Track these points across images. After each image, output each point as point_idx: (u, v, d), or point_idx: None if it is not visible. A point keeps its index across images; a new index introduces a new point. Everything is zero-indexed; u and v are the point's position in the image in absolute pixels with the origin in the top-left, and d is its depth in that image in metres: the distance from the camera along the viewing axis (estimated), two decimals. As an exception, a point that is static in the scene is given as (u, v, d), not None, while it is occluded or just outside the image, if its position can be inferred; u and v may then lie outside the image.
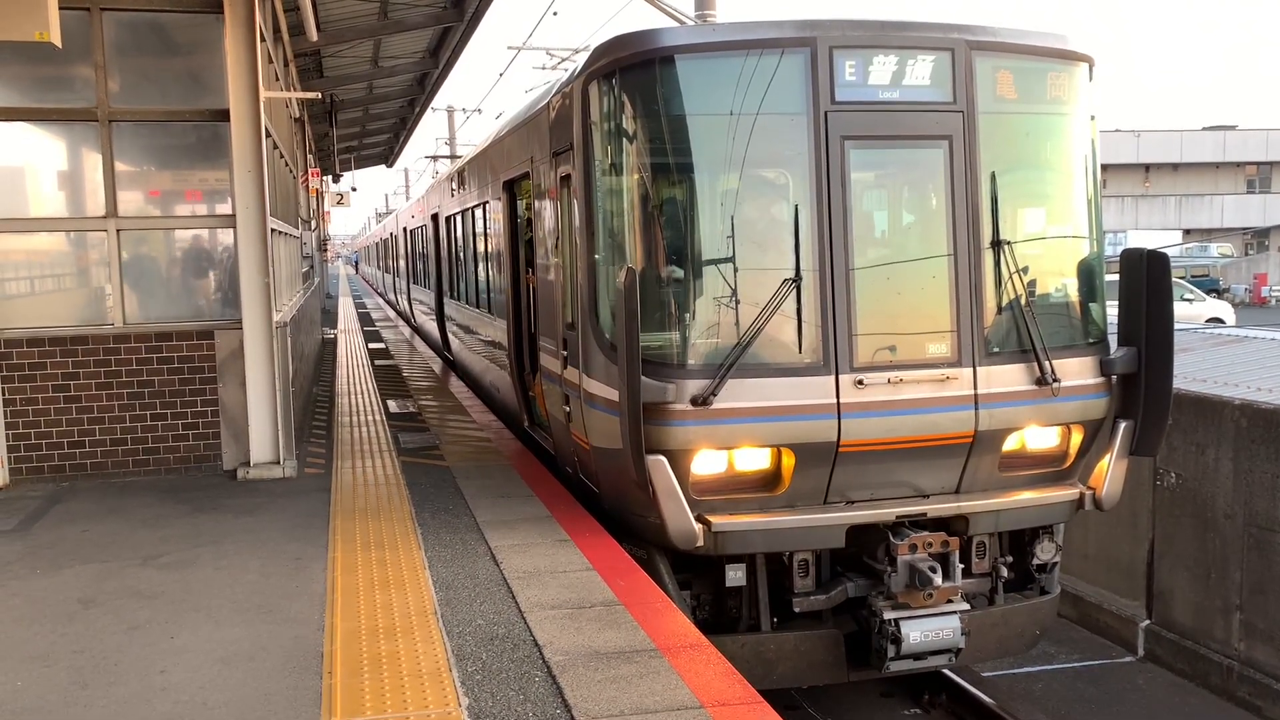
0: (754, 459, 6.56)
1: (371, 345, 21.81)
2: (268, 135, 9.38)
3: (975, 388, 6.64)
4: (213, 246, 9.67)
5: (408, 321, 27.05)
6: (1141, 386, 6.96)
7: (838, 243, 6.48)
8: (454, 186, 14.39)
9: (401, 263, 27.11)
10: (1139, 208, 56.64)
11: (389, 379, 15.85)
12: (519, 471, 9.01)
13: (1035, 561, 7.25)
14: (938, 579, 6.42)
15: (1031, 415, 6.83)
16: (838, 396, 6.44)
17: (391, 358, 19.15)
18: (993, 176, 6.74)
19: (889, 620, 6.52)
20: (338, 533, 7.25)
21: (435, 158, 41.30)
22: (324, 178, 27.33)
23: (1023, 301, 6.80)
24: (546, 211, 8.23)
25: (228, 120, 8.96)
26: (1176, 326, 7.18)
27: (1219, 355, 11.13)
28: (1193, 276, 40.24)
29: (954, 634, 6.58)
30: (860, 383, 6.45)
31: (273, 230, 9.40)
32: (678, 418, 6.35)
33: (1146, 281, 6.91)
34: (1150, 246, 7.23)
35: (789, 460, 6.51)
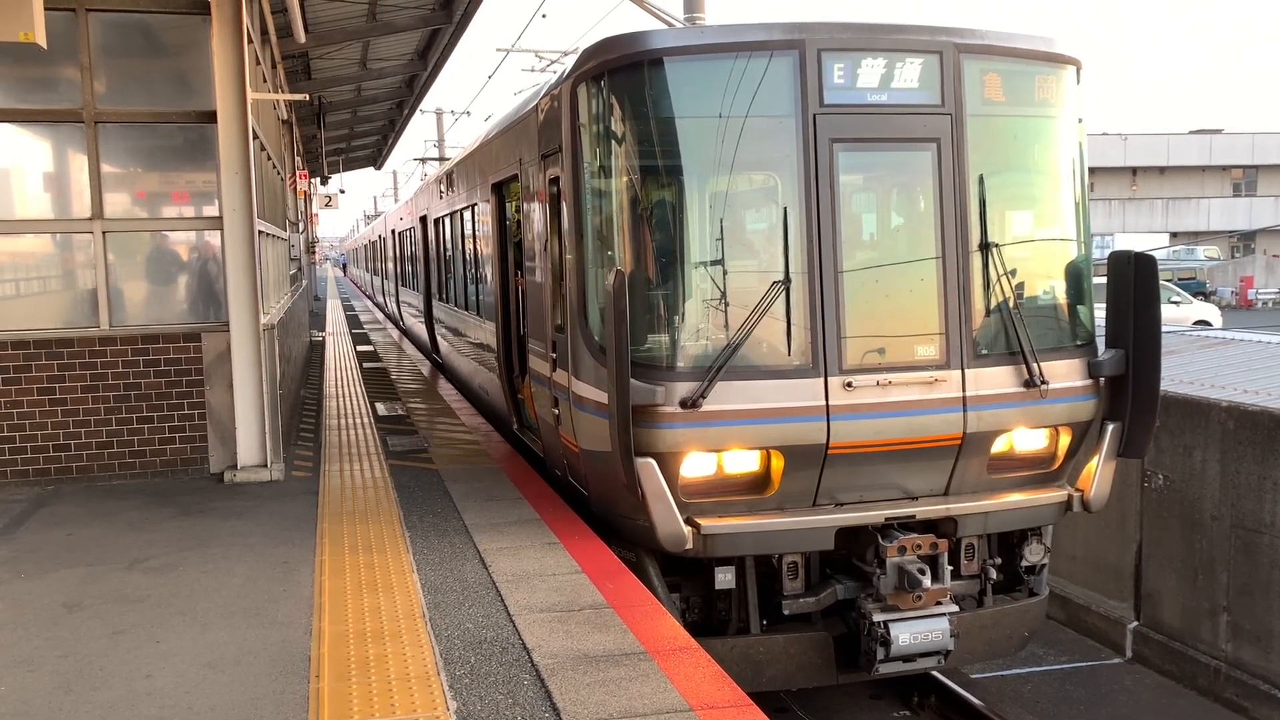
0: (743, 461, 6.56)
1: (360, 348, 21.75)
2: (255, 137, 9.34)
3: (964, 390, 6.65)
4: (199, 248, 9.62)
5: (396, 324, 27.00)
6: (1129, 388, 6.98)
7: (826, 245, 6.48)
8: (442, 189, 14.36)
9: (390, 265, 27.06)
10: (1126, 211, 56.90)
11: (377, 382, 15.80)
12: (508, 474, 8.99)
13: (1024, 563, 7.26)
14: (927, 581, 6.42)
15: (1020, 417, 6.84)
16: (826, 399, 6.45)
17: (380, 360, 19.09)
18: (981, 179, 6.76)
19: (878, 622, 6.52)
20: (325, 536, 7.22)
21: (424, 160, 41.27)
22: (312, 180, 27.28)
23: (1011, 304, 6.81)
24: (535, 214, 8.21)
25: (215, 122, 8.92)
26: (1164, 329, 7.20)
27: (1206, 357, 11.17)
28: (1179, 279, 40.47)
29: (943, 636, 6.59)
30: (849, 385, 6.46)
31: (260, 232, 9.36)
32: (667, 420, 6.35)
33: (1134, 284, 6.94)
34: (1138, 249, 7.25)
35: (778, 462, 6.51)
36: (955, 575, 6.90)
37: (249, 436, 9.11)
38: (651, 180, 6.75)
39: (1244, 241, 55.63)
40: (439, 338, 16.40)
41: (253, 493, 8.64)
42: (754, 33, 6.52)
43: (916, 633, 6.53)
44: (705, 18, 13.22)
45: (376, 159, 36.84)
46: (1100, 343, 7.21)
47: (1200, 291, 40.35)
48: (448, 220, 14.07)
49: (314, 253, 32.83)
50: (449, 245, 14.30)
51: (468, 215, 12.17)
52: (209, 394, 9.17)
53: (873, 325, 6.58)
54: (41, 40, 6.96)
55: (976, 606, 7.16)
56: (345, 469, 9.39)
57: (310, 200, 26.94)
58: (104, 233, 9.02)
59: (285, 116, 16.49)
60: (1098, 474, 7.01)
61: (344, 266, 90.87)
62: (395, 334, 25.61)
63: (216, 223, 9.13)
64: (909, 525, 6.70)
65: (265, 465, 9.11)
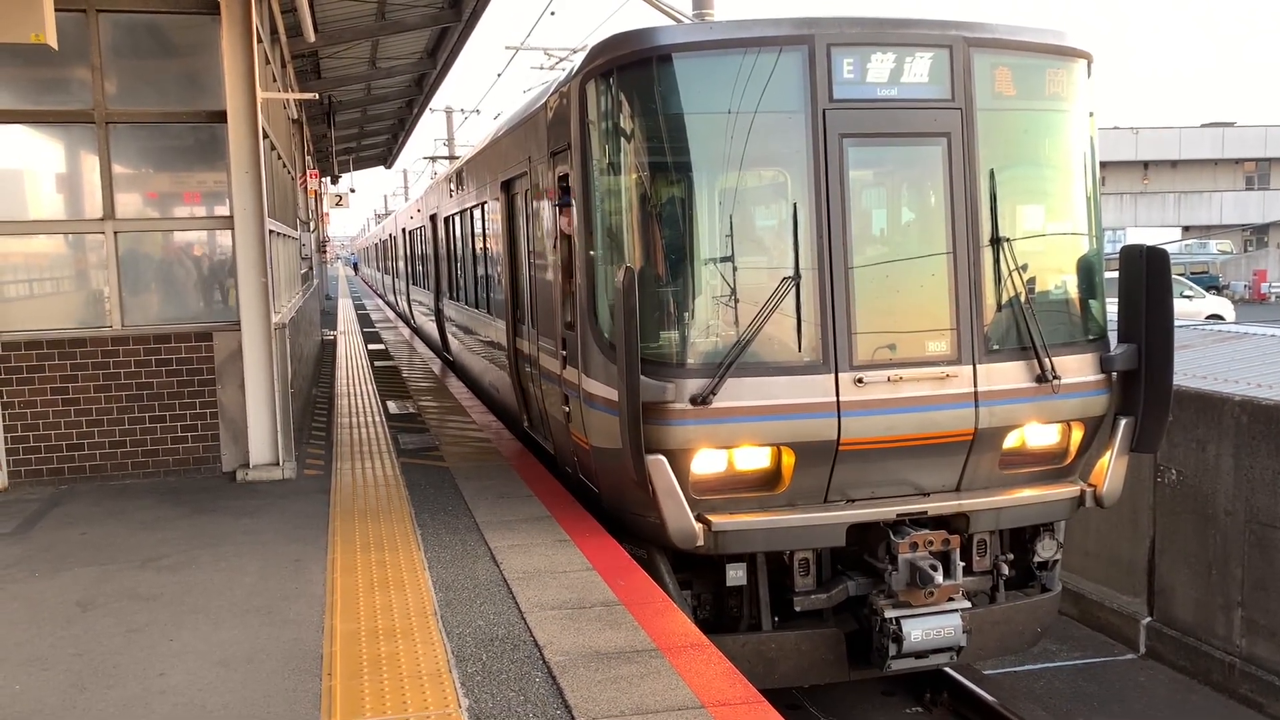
0: (754, 458, 6.55)
1: (371, 346, 21.80)
2: (265, 136, 9.36)
3: (975, 385, 6.62)
4: (211, 248, 9.66)
5: (407, 323, 27.04)
6: (1142, 383, 6.95)
7: (836, 241, 6.46)
8: (452, 187, 14.37)
9: (400, 264, 27.10)
10: (1138, 205, 56.66)
11: (388, 380, 15.83)
12: (518, 472, 8.99)
13: (1036, 559, 7.24)
14: (939, 577, 6.40)
15: (1032, 412, 6.81)
16: (837, 395, 6.43)
17: (391, 359, 19.13)
18: (991, 174, 6.73)
19: (890, 619, 6.50)
20: (337, 534, 7.24)
21: (434, 158, 41.27)
22: (322, 179, 27.34)
23: (1022, 299, 6.78)
24: (545, 211, 8.21)
25: (225, 122, 8.95)
26: (1176, 323, 7.16)
27: (1219, 352, 11.12)
28: (1192, 273, 40.22)
29: (955, 632, 6.57)
30: (860, 381, 6.44)
31: (271, 232, 9.38)
32: (677, 417, 6.34)
33: (1146, 278, 6.90)
34: (1149, 243, 7.21)
35: (789, 459, 6.50)
36: (967, 571, 6.88)
37: (261, 435, 9.14)
38: (660, 177, 6.74)
39: (1257, 235, 55.33)
40: (449, 336, 16.42)
41: (265, 491, 8.67)
42: (763, 28, 6.50)
43: (928, 629, 6.51)
44: (714, 13, 13.21)
45: (386, 158, 36.92)
46: (1113, 337, 7.18)
47: (1213, 286, 40.10)
48: (457, 218, 14.08)
49: (325, 252, 32.90)
50: (459, 243, 14.32)
51: (477, 213, 12.18)
52: (221, 393, 9.20)
53: (883, 321, 6.56)
54: (52, 41, 6.99)
55: (989, 603, 7.13)
56: (357, 467, 9.41)
57: (321, 199, 27.00)
58: (115, 233, 9.05)
59: (295, 116, 16.53)
60: (1110, 469, 6.98)
61: (355, 266, 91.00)
62: (406, 332, 25.65)
63: (227, 222, 9.15)
64: (921, 521, 6.68)
65: (277, 464, 9.14)
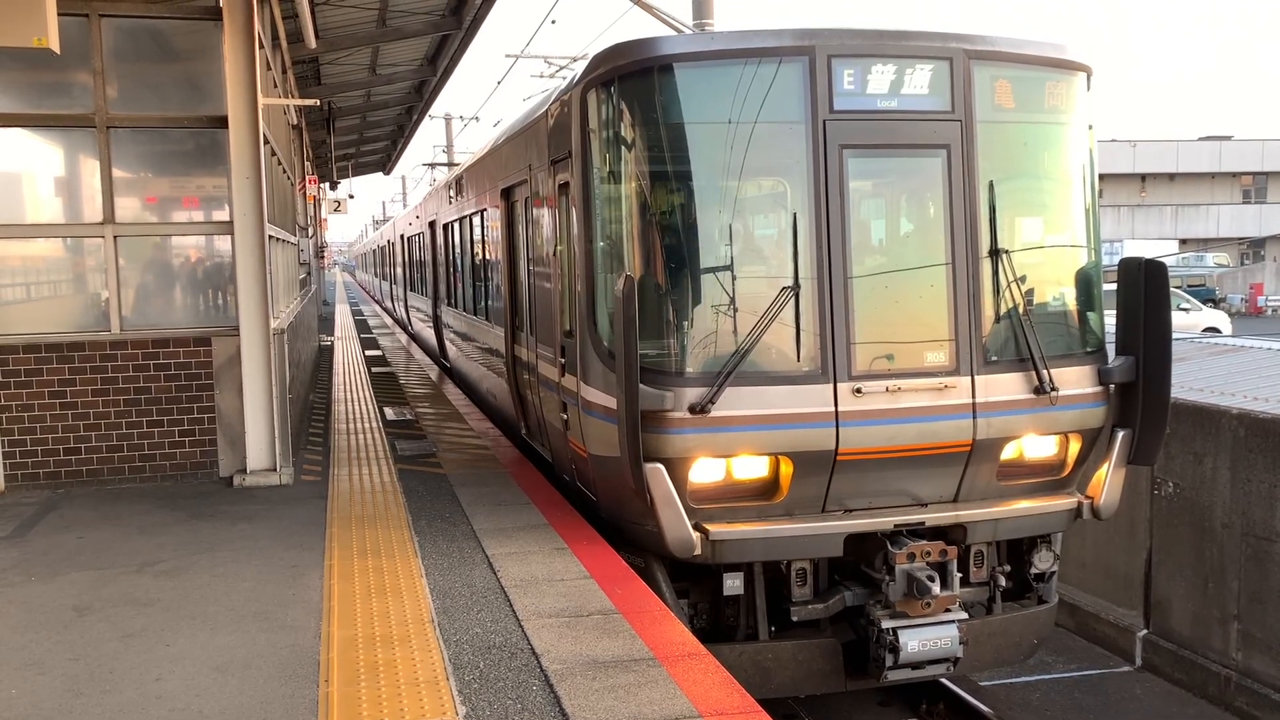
0: (752, 467, 6.55)
1: (368, 352, 21.78)
2: (265, 142, 9.37)
3: (973, 396, 6.64)
4: (210, 253, 9.65)
5: (405, 329, 27.04)
6: (1139, 395, 6.96)
7: (836, 251, 6.48)
8: (451, 194, 14.39)
9: (399, 270, 27.11)
10: (1135, 217, 56.82)
11: (386, 386, 15.82)
12: (516, 479, 8.99)
13: (1033, 570, 7.24)
14: (936, 588, 6.40)
15: (1029, 424, 6.83)
16: (836, 405, 6.44)
17: (388, 365, 19.12)
18: (991, 185, 6.75)
19: (887, 629, 6.50)
20: (334, 540, 7.23)
21: (433, 165, 41.27)
22: (321, 185, 27.36)
23: (1021, 310, 6.80)
24: (544, 219, 8.23)
25: (226, 127, 8.95)
26: (1174, 336, 7.18)
27: (1216, 365, 11.14)
28: (1189, 286, 40.31)
29: (952, 643, 6.57)
30: (858, 391, 6.45)
31: (270, 237, 9.39)
32: (676, 425, 6.34)
33: (1144, 291, 6.92)
34: (1147, 256, 7.23)
35: (787, 468, 6.50)
36: (964, 582, 6.88)
37: (258, 440, 9.12)
38: (661, 186, 6.75)
39: (1254, 248, 55.49)
40: (447, 342, 16.42)
41: (262, 497, 8.66)
42: (764, 39, 6.52)
43: (925, 640, 6.51)
44: (714, 24, 13.24)
45: (385, 164, 36.94)
46: (1110, 349, 7.19)
47: (1210, 298, 40.21)
48: (456, 225, 14.09)
49: (323, 257, 32.92)
50: (457, 250, 14.32)
51: (476, 220, 12.19)
52: (219, 398, 9.19)
53: (882, 331, 6.58)
54: (54, 45, 7.00)
55: (985, 614, 7.14)
56: (354, 473, 9.40)
57: (319, 205, 27.02)
58: (115, 237, 9.05)
59: (295, 121, 16.54)
60: (1107, 481, 6.99)
61: (352, 272, 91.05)
62: (403, 338, 25.65)
63: (227, 227, 9.16)
64: (918, 532, 6.68)
65: (274, 469, 9.13)
